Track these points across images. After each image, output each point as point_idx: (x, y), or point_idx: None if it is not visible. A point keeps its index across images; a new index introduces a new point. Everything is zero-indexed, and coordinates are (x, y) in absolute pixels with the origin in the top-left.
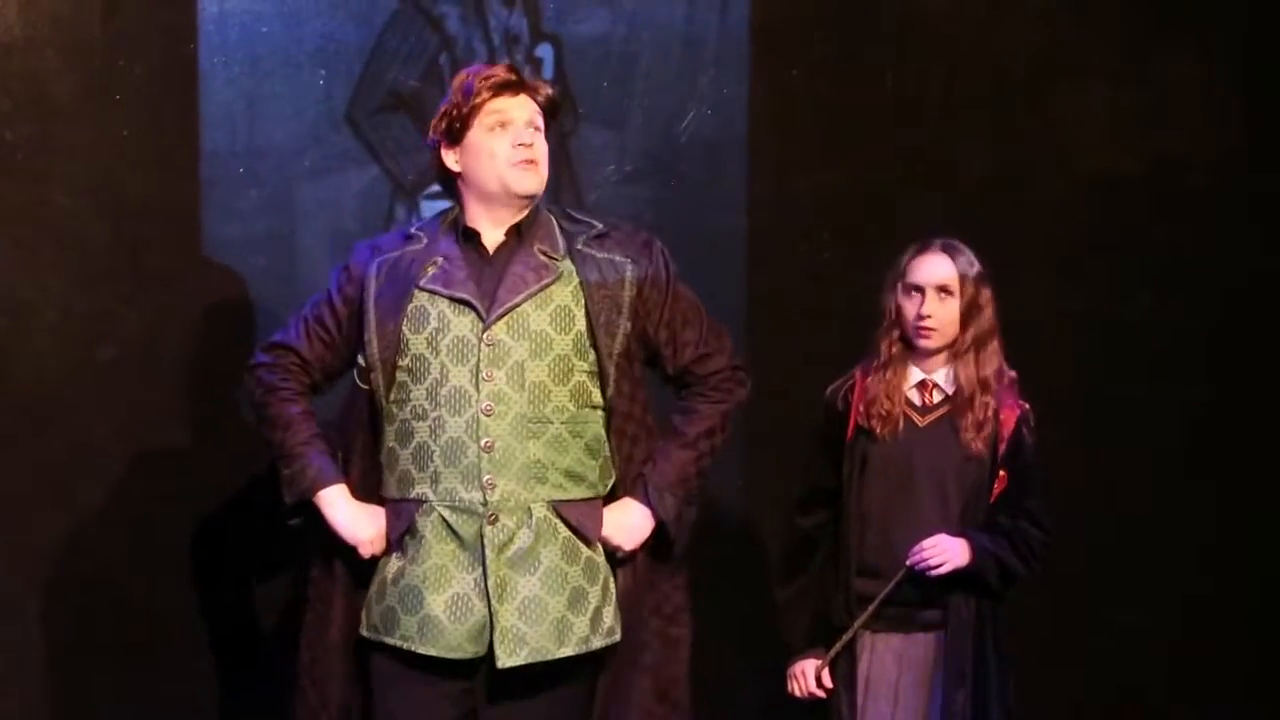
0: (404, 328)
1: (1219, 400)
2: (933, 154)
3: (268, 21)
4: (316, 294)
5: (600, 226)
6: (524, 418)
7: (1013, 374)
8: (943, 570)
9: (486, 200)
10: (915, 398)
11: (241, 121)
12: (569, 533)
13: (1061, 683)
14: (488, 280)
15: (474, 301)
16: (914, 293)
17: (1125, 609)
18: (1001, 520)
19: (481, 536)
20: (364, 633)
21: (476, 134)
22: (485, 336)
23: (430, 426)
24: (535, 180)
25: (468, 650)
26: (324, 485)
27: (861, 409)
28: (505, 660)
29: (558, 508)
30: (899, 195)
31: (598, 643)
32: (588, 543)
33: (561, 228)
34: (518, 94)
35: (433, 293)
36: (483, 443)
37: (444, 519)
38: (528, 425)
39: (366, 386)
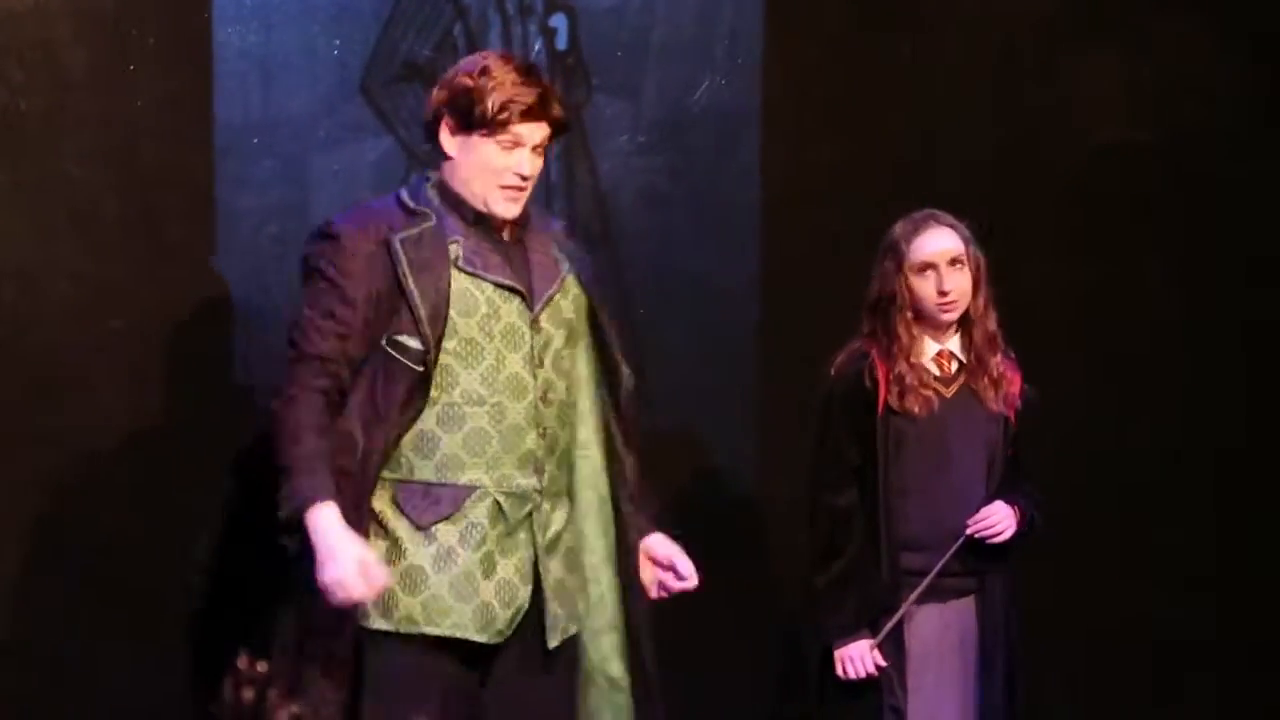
0: (452, 310)
1: (1232, 371)
2: (947, 124)
3: None
4: (311, 289)
5: (557, 222)
6: (566, 405)
7: None
8: (1004, 537)
9: (467, 191)
10: (934, 369)
11: (255, 92)
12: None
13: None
14: (517, 266)
15: (521, 289)
16: (928, 271)
17: (1128, 581)
18: (1023, 484)
19: (531, 521)
20: (387, 626)
21: (485, 143)
22: (533, 324)
23: (489, 412)
24: (515, 210)
25: (506, 635)
26: (315, 502)
27: (894, 393)
28: (552, 641)
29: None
30: (913, 166)
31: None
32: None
33: (538, 215)
34: (539, 120)
35: (475, 276)
36: (540, 429)
37: (499, 504)
38: (568, 412)
39: (421, 368)
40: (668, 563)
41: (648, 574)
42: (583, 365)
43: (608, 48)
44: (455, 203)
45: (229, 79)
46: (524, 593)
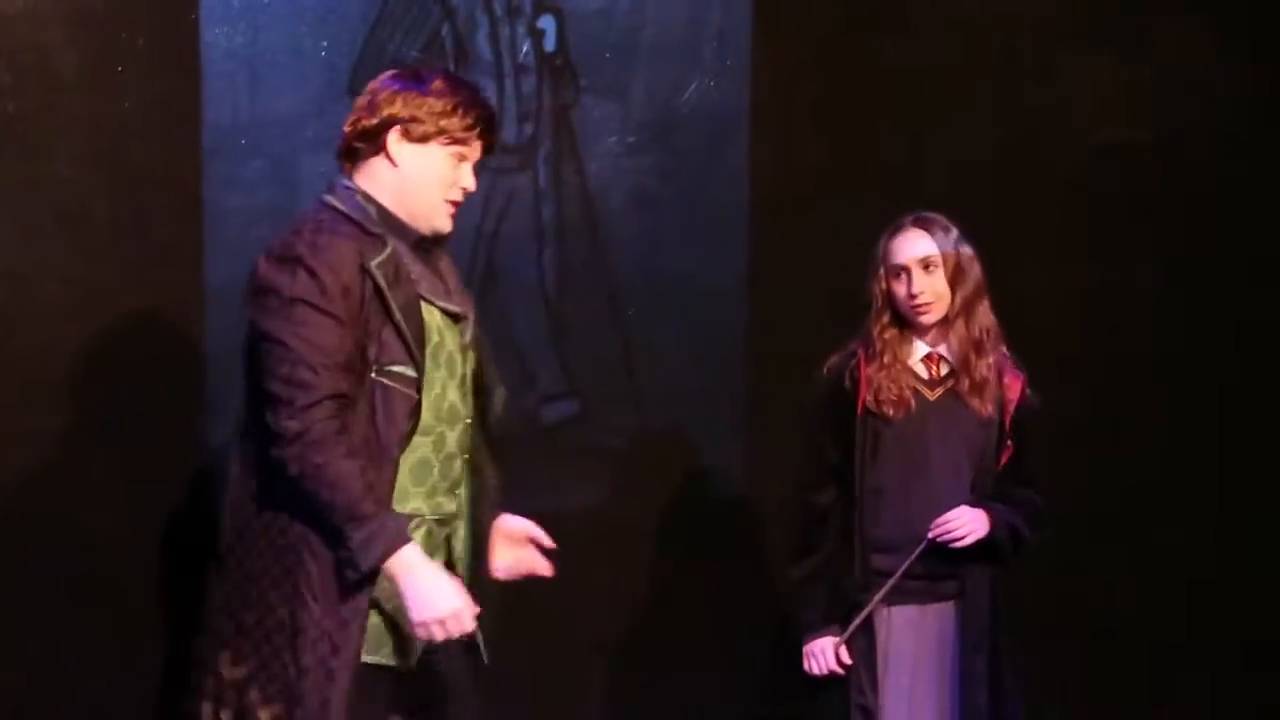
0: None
1: (1232, 371)
2: (938, 125)
3: None
4: (294, 321)
5: None
6: (476, 427)
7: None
8: (967, 542)
9: (401, 207)
10: (922, 371)
11: (244, 93)
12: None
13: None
14: (446, 289)
15: (464, 314)
16: (901, 274)
17: (1126, 581)
18: (1009, 489)
19: (449, 543)
20: (382, 660)
21: (441, 154)
22: (464, 350)
23: (433, 442)
24: (451, 224)
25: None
26: (403, 542)
27: (870, 396)
28: (488, 656)
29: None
30: (903, 167)
31: None
32: None
33: None
34: (493, 137)
35: (429, 302)
36: (465, 455)
37: (430, 531)
38: (477, 434)
39: (416, 394)
40: (525, 535)
41: (506, 556)
42: None
43: (596, 49)
44: (395, 225)
45: (217, 80)
46: None
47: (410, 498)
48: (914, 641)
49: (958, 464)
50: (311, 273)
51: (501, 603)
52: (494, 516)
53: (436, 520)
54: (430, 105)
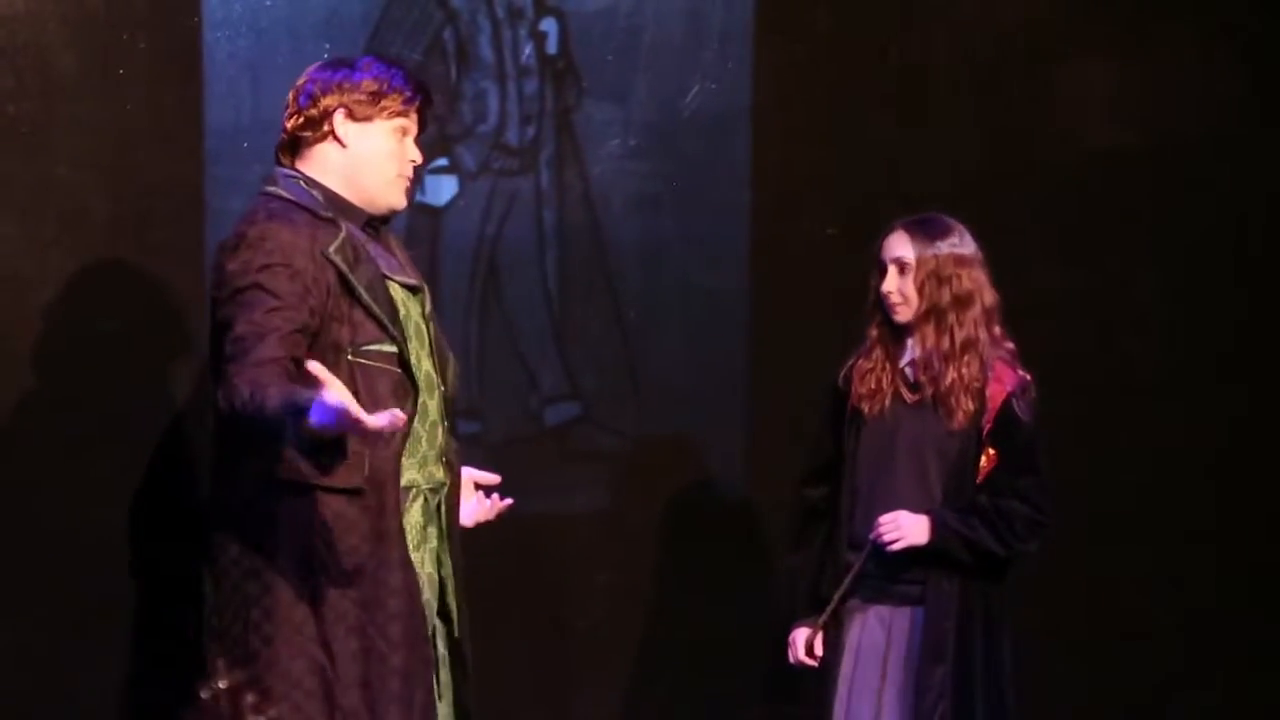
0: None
1: (1225, 378)
2: (936, 128)
3: None
4: (245, 303)
5: None
6: (450, 397)
7: (1010, 345)
8: (897, 546)
9: (353, 188)
10: (909, 373)
11: (245, 96)
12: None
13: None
14: (401, 263)
15: (422, 285)
16: (883, 273)
17: (1132, 591)
18: (980, 499)
19: (440, 514)
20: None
21: (385, 129)
22: (426, 319)
23: (421, 411)
24: (404, 201)
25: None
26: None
27: (855, 393)
28: (458, 631)
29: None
30: (903, 170)
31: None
32: None
33: None
34: (425, 111)
35: (389, 278)
36: (445, 423)
37: (426, 500)
38: (451, 402)
39: (399, 370)
40: (472, 482)
41: (468, 506)
42: None
43: (598, 52)
44: (343, 207)
45: (219, 84)
46: (437, 581)
47: (405, 470)
48: (885, 641)
49: (923, 469)
50: (261, 258)
51: (503, 603)
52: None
53: (430, 489)
54: (367, 85)
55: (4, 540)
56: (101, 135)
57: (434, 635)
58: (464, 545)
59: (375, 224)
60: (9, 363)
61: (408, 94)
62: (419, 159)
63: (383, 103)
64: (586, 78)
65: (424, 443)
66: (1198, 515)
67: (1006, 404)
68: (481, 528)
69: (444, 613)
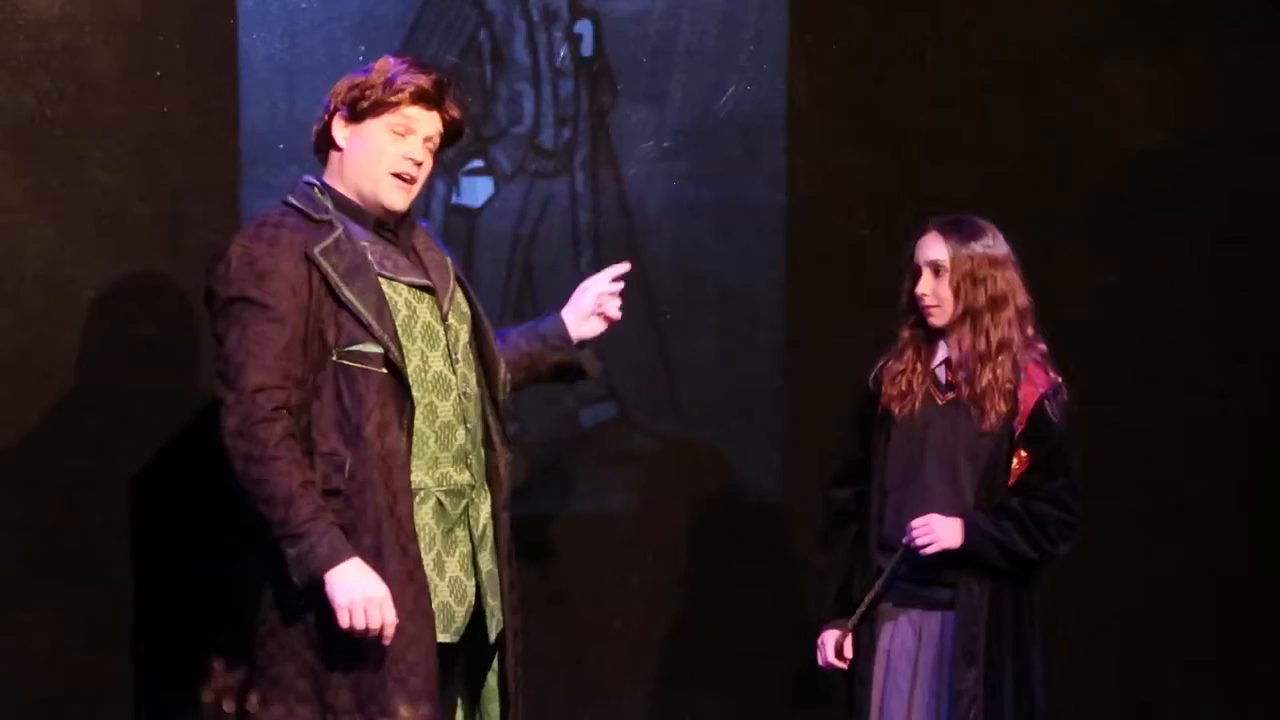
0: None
1: (1265, 374)
2: (971, 129)
3: None
4: (234, 319)
5: (427, 223)
6: (480, 397)
7: (1042, 347)
8: (930, 550)
9: (354, 190)
10: (941, 375)
11: (281, 97)
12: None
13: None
14: (415, 265)
15: (434, 285)
16: (918, 275)
17: (1168, 588)
18: (1011, 501)
19: (467, 516)
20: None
21: (377, 127)
22: (444, 321)
23: (423, 413)
24: (403, 199)
25: (463, 632)
26: (338, 561)
27: (886, 393)
28: (494, 633)
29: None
30: (938, 171)
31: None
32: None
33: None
34: (431, 109)
35: (391, 279)
36: (467, 424)
37: (440, 503)
38: (482, 404)
39: (385, 370)
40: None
41: (589, 311)
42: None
43: (633, 54)
44: (352, 210)
45: (255, 86)
46: (471, 588)
47: (414, 470)
48: (916, 645)
49: (954, 471)
50: (245, 269)
51: (539, 603)
52: (505, 494)
53: (445, 492)
54: (366, 82)
55: (41, 538)
56: (138, 137)
57: (460, 640)
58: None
59: (390, 226)
60: (46, 363)
61: (395, 87)
62: (418, 156)
63: (372, 101)
64: (621, 79)
65: (433, 444)
66: (1232, 515)
67: (1039, 406)
68: (517, 529)
69: (479, 618)
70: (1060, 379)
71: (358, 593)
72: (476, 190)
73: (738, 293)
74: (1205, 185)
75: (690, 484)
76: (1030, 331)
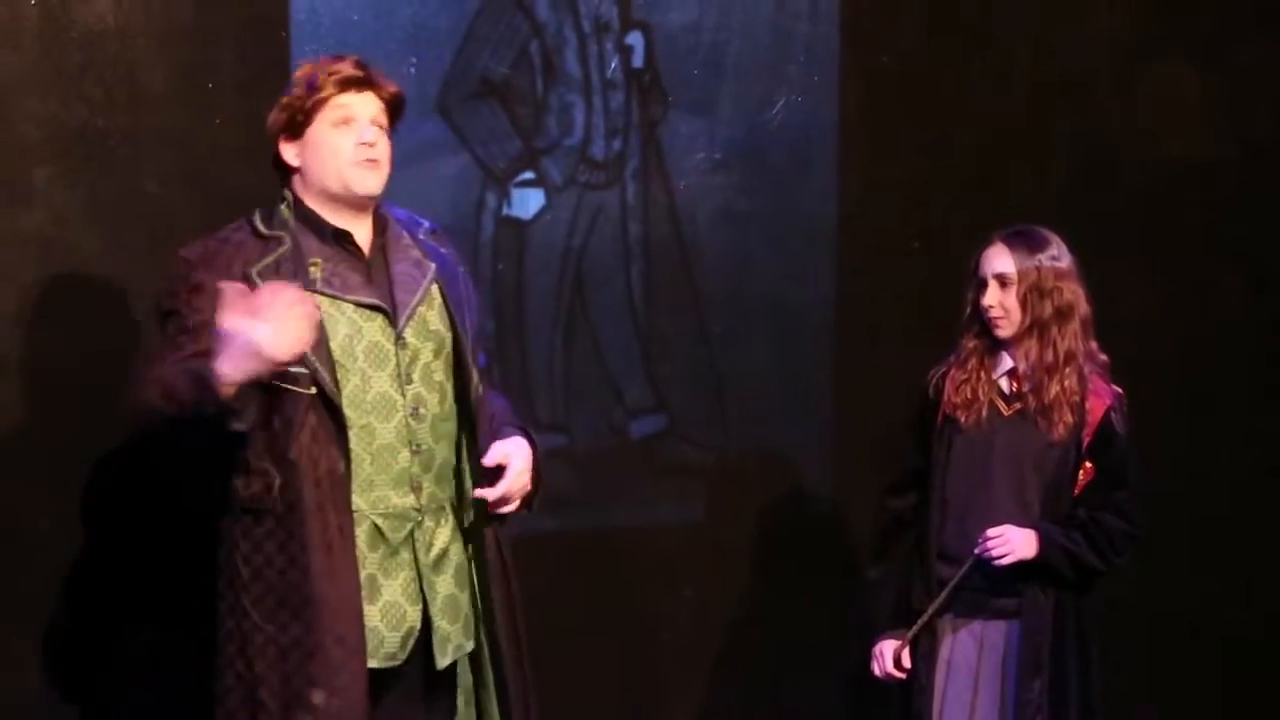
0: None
1: None
2: (1022, 141)
3: (359, 9)
4: (162, 332)
5: (428, 222)
6: (437, 418)
7: (1103, 358)
8: (1006, 561)
9: (328, 198)
10: (1005, 385)
11: None
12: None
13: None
14: (378, 281)
15: (383, 305)
16: (983, 287)
17: (1225, 602)
18: (1079, 513)
19: (412, 541)
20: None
21: (319, 129)
22: (399, 340)
23: (359, 435)
24: (376, 180)
25: (399, 658)
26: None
27: (950, 403)
28: (442, 662)
29: (460, 505)
30: (988, 182)
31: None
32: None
33: (399, 220)
34: (363, 90)
35: (334, 298)
36: (413, 446)
37: (376, 527)
38: (440, 425)
39: (311, 390)
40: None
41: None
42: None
43: (684, 65)
44: (312, 221)
45: None
46: (413, 613)
47: (352, 493)
48: (977, 656)
49: (1021, 481)
50: (180, 284)
51: (589, 615)
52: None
53: (382, 516)
54: (292, 98)
55: (73, 538)
56: (190, 149)
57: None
58: (546, 559)
59: (352, 241)
60: (99, 375)
61: (315, 85)
62: (370, 139)
63: (304, 109)
64: (672, 91)
65: (368, 466)
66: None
67: (1106, 418)
68: (566, 542)
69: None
70: (1122, 390)
71: (242, 342)
72: (528, 202)
73: (788, 304)
74: (1258, 192)
75: (740, 495)
76: (1093, 343)
